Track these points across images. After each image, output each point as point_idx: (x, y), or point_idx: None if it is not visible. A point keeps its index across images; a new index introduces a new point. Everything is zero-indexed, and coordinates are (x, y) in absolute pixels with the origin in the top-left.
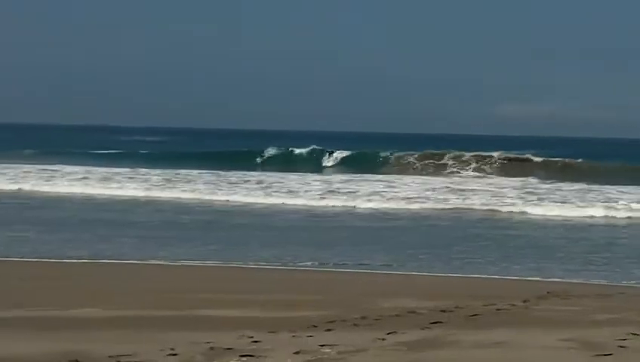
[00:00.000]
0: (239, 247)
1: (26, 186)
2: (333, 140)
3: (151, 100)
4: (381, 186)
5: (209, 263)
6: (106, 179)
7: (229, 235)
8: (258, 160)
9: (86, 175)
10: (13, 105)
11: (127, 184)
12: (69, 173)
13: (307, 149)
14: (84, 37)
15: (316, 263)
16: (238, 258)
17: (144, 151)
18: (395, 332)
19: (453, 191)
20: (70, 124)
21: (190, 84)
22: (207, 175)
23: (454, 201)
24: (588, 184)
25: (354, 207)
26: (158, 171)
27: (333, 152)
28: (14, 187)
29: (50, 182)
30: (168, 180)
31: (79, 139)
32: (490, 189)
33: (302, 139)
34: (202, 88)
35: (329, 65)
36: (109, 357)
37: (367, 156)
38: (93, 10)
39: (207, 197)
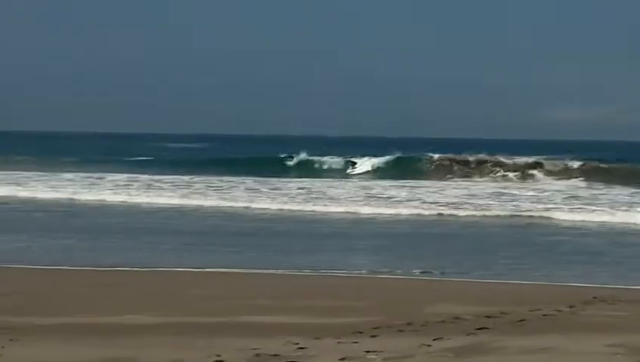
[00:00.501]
0: (285, 254)
1: (72, 195)
2: (360, 145)
3: (154, 105)
4: (422, 192)
5: (255, 270)
6: (148, 186)
7: (274, 242)
8: (290, 164)
9: (129, 182)
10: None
11: (168, 192)
12: (112, 181)
13: (338, 157)
14: (85, 39)
15: (362, 269)
16: (284, 265)
17: (170, 158)
18: (440, 338)
19: (496, 196)
20: (93, 131)
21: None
22: (248, 181)
23: (497, 207)
24: (635, 188)
25: (397, 213)
26: (196, 178)
27: (368, 158)
28: (63, 195)
29: (94, 190)
30: (208, 187)
31: (111, 147)
32: (534, 194)
33: (324, 143)
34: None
35: (334, 67)
36: None
37: (404, 161)
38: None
39: (251, 204)
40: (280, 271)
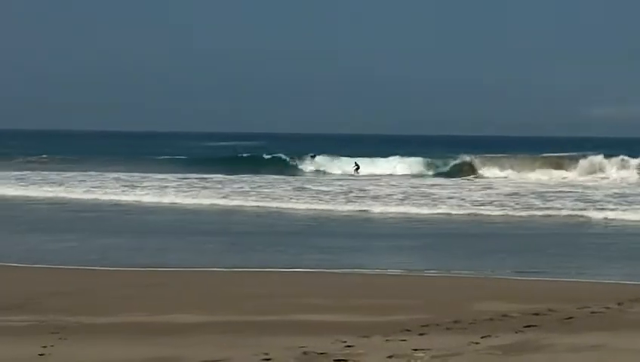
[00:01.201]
0: (331, 253)
1: (110, 196)
2: (391, 142)
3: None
4: (467, 191)
5: (302, 269)
6: (189, 186)
7: (318, 242)
8: (309, 164)
9: (163, 183)
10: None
11: (204, 191)
12: (161, 180)
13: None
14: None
15: (408, 268)
16: (332, 264)
17: (203, 156)
18: (489, 335)
19: (540, 196)
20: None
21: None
22: (280, 181)
23: (543, 206)
24: None
25: (444, 213)
26: (234, 177)
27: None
28: (109, 197)
29: (134, 191)
30: (242, 187)
31: (139, 146)
32: (579, 192)
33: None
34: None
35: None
36: (203, 361)
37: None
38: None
39: (296, 205)
40: (328, 270)
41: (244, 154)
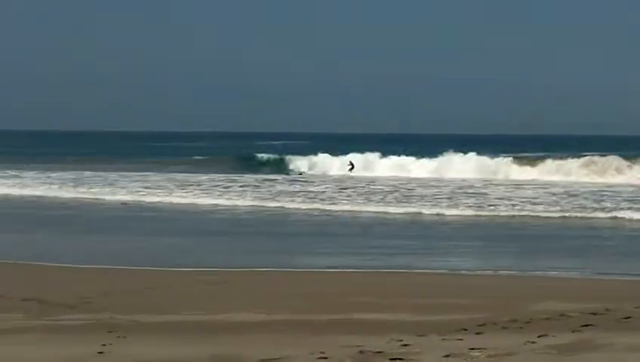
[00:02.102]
0: (388, 254)
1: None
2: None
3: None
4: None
5: (360, 269)
6: (242, 186)
7: (376, 242)
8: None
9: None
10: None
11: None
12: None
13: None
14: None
15: (463, 267)
16: (387, 264)
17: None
18: (545, 335)
19: (610, 196)
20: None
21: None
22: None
23: (608, 206)
24: None
25: (492, 215)
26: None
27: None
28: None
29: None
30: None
31: (159, 147)
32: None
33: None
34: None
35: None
36: (261, 360)
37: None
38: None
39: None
40: (384, 270)
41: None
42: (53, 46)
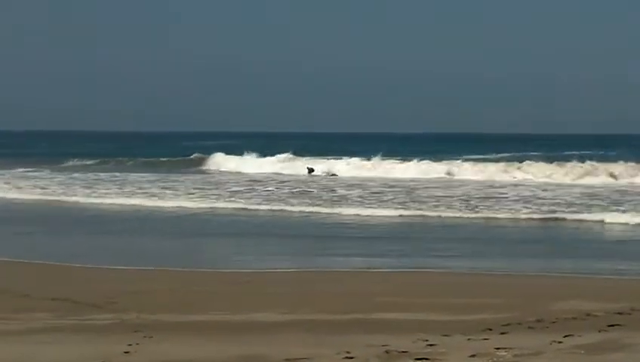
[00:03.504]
0: (413, 253)
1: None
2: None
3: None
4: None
5: (384, 269)
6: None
7: (398, 243)
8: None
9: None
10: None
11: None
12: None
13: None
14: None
15: (488, 267)
16: (412, 264)
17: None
18: (571, 334)
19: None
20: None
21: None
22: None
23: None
24: None
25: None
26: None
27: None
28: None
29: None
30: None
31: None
32: None
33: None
34: None
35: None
36: (286, 360)
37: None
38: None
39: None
40: (409, 269)
41: None
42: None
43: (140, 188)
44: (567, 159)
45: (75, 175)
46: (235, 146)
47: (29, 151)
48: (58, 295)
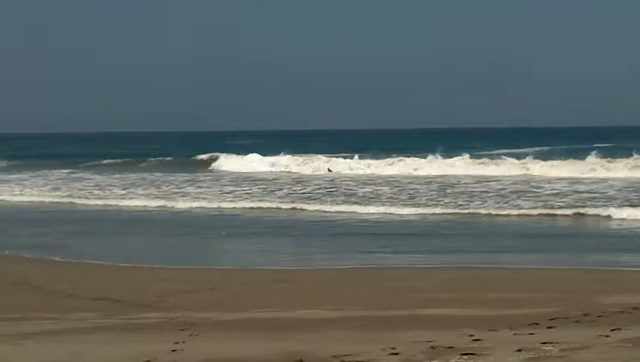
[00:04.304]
0: (460, 250)
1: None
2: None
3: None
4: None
5: (429, 265)
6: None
7: (441, 240)
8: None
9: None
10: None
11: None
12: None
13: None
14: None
15: (532, 261)
16: (457, 260)
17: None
18: (619, 328)
19: None
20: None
21: None
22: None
23: None
24: None
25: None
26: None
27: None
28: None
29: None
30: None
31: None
32: None
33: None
34: None
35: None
36: (332, 356)
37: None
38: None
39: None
40: (454, 265)
41: None
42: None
43: (179, 188)
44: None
45: (107, 176)
46: (249, 146)
47: (61, 152)
48: (105, 294)
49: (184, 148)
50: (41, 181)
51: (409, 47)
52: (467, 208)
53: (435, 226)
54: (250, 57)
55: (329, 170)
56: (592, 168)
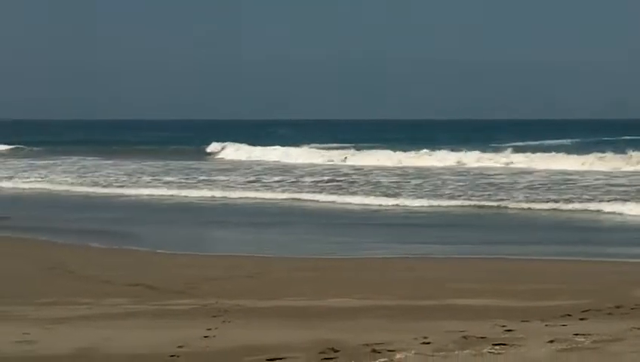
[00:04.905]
0: (489, 243)
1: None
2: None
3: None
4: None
5: (462, 256)
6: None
7: (476, 232)
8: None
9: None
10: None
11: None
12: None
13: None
14: None
15: (564, 254)
16: (488, 250)
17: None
18: None
19: None
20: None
21: None
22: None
23: None
24: None
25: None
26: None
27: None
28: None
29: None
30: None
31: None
32: None
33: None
34: None
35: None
36: (364, 345)
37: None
38: None
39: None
40: (485, 256)
41: None
42: None
43: (209, 177)
44: None
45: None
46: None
47: (78, 138)
48: (139, 281)
49: (198, 137)
50: (87, 170)
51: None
52: (496, 200)
53: (468, 217)
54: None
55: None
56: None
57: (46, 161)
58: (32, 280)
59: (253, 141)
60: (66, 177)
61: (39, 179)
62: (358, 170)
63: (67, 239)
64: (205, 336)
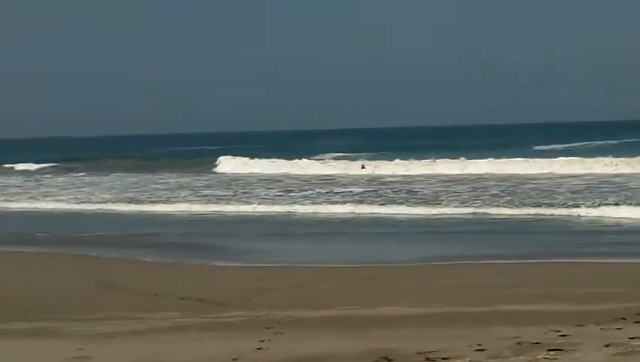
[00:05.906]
0: (537, 246)
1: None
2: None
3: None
4: None
5: (513, 261)
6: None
7: (520, 238)
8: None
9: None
10: None
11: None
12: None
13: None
14: None
15: (616, 256)
16: (540, 255)
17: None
18: None
19: None
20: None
21: None
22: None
23: None
24: None
25: None
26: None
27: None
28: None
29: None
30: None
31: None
32: None
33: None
34: None
35: None
36: (418, 353)
37: None
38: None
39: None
40: (536, 260)
41: None
42: None
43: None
44: None
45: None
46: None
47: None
48: (190, 294)
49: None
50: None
51: None
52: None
53: (516, 223)
54: None
55: (363, 167)
56: None
57: (91, 178)
58: (85, 295)
59: (256, 154)
60: (117, 193)
61: (95, 197)
62: (403, 177)
63: (120, 253)
64: (258, 348)
